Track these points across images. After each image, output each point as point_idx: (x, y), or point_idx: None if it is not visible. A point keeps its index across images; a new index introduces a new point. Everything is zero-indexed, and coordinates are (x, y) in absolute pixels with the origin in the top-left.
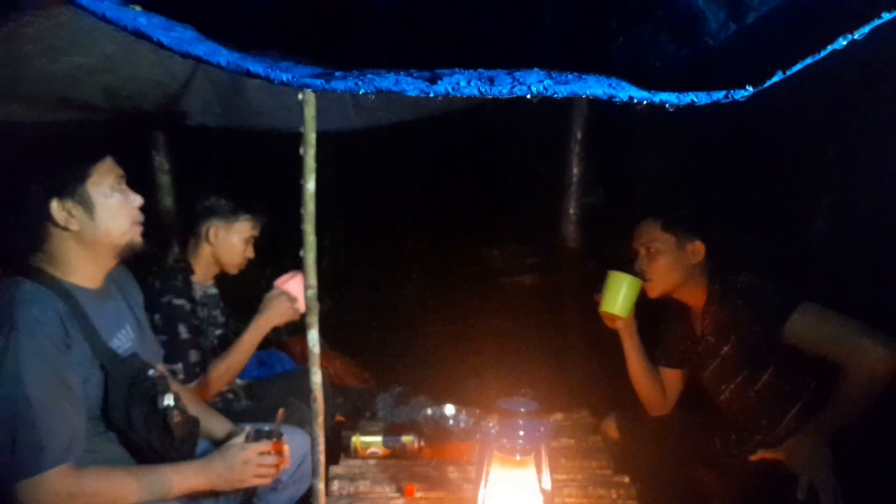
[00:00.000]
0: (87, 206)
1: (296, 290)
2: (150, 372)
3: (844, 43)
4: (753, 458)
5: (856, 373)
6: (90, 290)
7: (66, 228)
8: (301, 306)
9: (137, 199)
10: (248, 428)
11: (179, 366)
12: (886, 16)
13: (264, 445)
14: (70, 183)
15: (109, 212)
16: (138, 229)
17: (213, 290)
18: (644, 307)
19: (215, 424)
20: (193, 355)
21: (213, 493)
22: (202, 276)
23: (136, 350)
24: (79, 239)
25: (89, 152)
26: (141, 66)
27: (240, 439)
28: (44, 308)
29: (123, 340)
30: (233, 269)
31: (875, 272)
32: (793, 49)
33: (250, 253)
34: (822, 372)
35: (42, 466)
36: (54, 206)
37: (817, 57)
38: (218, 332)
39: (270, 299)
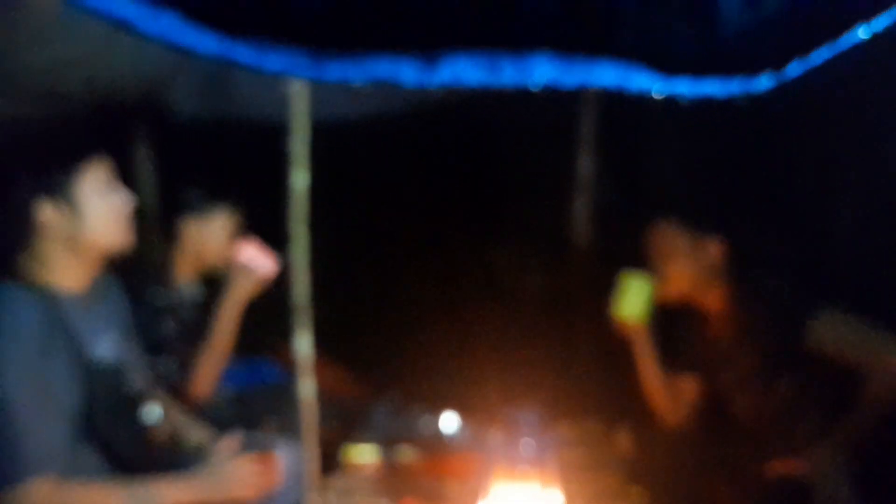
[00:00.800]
0: (77, 206)
1: (249, 259)
2: (134, 381)
3: (861, 32)
4: (771, 469)
5: (879, 381)
6: (75, 295)
7: (53, 229)
8: (261, 270)
9: (130, 200)
10: (237, 437)
11: (172, 360)
12: None
13: (254, 456)
14: (60, 182)
15: (100, 214)
16: (129, 232)
17: (199, 290)
18: (657, 311)
19: (200, 435)
20: (182, 350)
21: None
22: (185, 274)
23: (120, 357)
24: (66, 241)
25: (82, 150)
26: (124, 57)
27: (229, 448)
28: (26, 312)
29: (107, 348)
30: (218, 265)
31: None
32: (809, 37)
33: (233, 244)
34: (842, 381)
35: (22, 476)
36: (41, 205)
37: (835, 47)
38: (205, 329)
39: (231, 276)
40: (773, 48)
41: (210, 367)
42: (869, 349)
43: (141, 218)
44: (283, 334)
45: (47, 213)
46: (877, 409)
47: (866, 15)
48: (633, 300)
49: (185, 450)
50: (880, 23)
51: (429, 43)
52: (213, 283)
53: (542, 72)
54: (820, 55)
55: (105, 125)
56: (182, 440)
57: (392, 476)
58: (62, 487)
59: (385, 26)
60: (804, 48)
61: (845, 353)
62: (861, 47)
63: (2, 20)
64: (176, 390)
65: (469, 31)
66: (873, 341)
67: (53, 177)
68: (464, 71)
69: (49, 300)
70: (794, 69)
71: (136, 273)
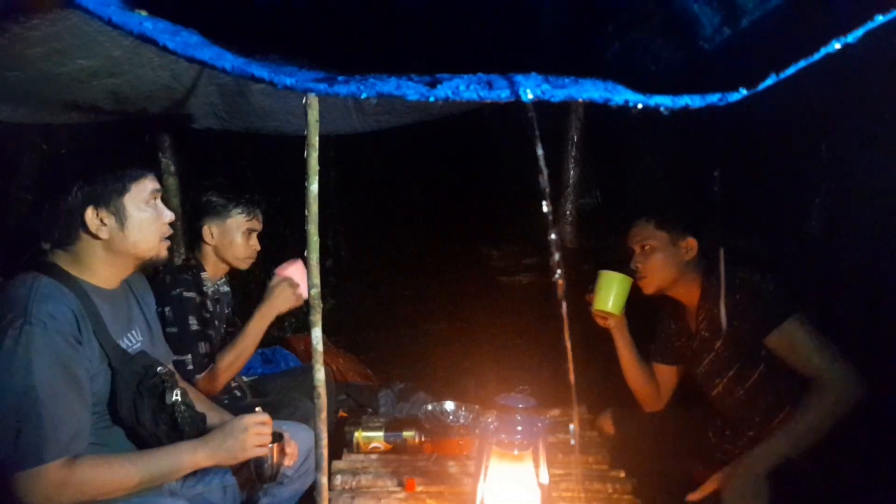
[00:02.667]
0: (121, 218)
1: (297, 276)
2: (159, 368)
3: (838, 46)
4: (692, 497)
5: (820, 396)
6: (105, 291)
7: (95, 236)
8: (304, 292)
9: (169, 216)
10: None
11: (188, 357)
12: (880, 18)
13: (260, 416)
14: (109, 194)
15: (140, 226)
16: (166, 244)
17: (226, 288)
18: (638, 305)
19: (220, 419)
20: (203, 347)
21: (221, 488)
22: (212, 274)
23: (145, 350)
24: (106, 247)
25: (133, 167)
26: (147, 70)
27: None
28: (58, 304)
29: (133, 341)
30: (240, 265)
31: (868, 271)
32: (786, 52)
33: (255, 245)
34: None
35: (43, 459)
36: (89, 213)
37: (810, 60)
38: (229, 329)
39: (273, 287)
40: (748, 64)
41: (233, 364)
42: (821, 362)
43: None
44: (298, 327)
45: (93, 220)
46: (810, 424)
47: (843, 30)
48: (612, 295)
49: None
50: (855, 36)
51: (430, 66)
52: (241, 281)
53: (533, 89)
54: (795, 68)
55: (124, 132)
56: (203, 424)
57: (397, 458)
58: (73, 464)
59: (390, 51)
60: (780, 64)
61: (799, 359)
62: (832, 55)
63: (22, 31)
64: (193, 382)
65: (466, 55)
66: (827, 358)
67: (105, 189)
68: (461, 88)
69: (80, 294)
70: (769, 82)
71: (167, 271)
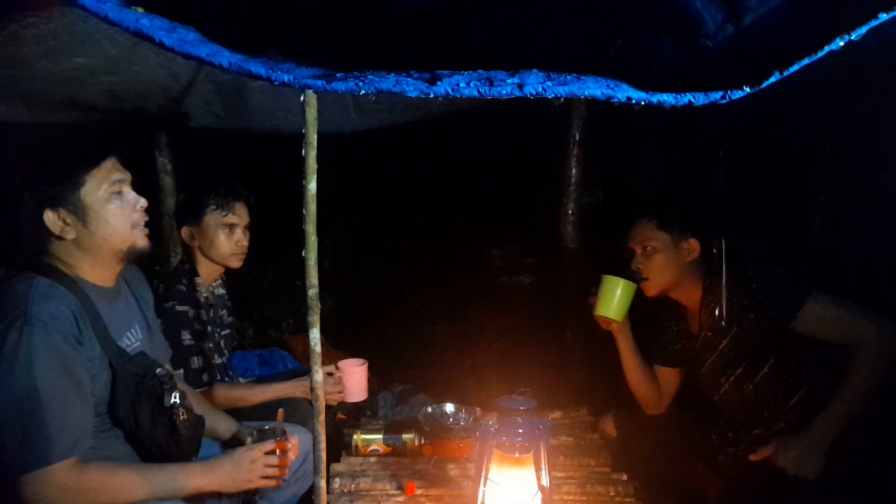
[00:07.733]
0: (82, 214)
1: (346, 376)
2: (158, 370)
3: (842, 44)
4: (754, 457)
5: (864, 353)
6: (103, 289)
7: (62, 234)
8: (346, 393)
9: (140, 202)
10: (253, 430)
11: (181, 372)
12: (883, 16)
13: (269, 445)
14: (63, 192)
15: (105, 219)
16: (141, 232)
17: (221, 290)
18: (640, 307)
19: (220, 424)
20: (195, 362)
21: (217, 493)
22: (206, 276)
23: (145, 349)
24: (78, 246)
25: (84, 158)
26: (143, 68)
27: (246, 440)
28: (58, 304)
29: (132, 340)
30: (229, 262)
31: (870, 271)
32: (790, 50)
33: (241, 240)
34: (819, 364)
35: (49, 460)
36: (48, 216)
37: (814, 58)
38: (224, 332)
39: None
40: (752, 62)
41: (232, 402)
42: (858, 323)
43: (167, 223)
44: (296, 328)
45: (55, 222)
46: (860, 385)
47: (846, 28)
48: (614, 300)
49: (203, 436)
50: (859, 34)
51: (430, 62)
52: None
53: (534, 86)
54: (798, 66)
55: (120, 130)
56: (201, 427)
57: (396, 461)
58: (84, 469)
59: (389, 48)
60: (784, 62)
61: (836, 328)
62: (835, 53)
63: (17, 29)
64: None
65: (467, 52)
66: (861, 317)
67: (58, 188)
68: (461, 84)
69: (79, 293)
70: (772, 80)
71: (161, 278)
